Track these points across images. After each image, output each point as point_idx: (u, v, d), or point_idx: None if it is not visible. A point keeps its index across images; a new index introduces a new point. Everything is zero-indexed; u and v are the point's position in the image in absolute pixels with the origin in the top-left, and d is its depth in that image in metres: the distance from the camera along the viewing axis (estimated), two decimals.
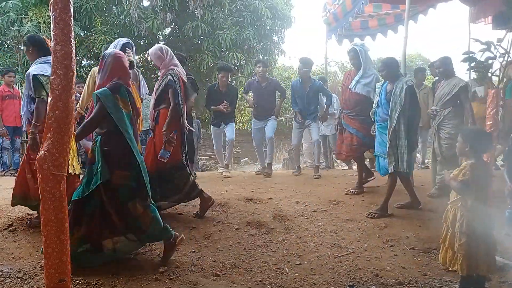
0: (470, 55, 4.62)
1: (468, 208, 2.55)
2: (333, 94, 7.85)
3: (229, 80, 6.88)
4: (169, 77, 3.90)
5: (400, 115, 4.17)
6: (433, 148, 5.00)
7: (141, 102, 4.64)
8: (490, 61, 4.46)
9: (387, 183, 4.46)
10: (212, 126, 6.60)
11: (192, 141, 6.31)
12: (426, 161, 7.86)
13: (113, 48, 4.29)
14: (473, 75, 5.94)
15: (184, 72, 4.22)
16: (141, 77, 4.63)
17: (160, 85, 4.01)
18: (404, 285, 2.91)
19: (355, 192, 5.01)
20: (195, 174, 5.84)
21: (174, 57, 4.15)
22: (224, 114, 6.28)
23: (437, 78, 7.15)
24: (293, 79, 16.16)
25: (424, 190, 5.17)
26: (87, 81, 5.86)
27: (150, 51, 4.22)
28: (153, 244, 3.43)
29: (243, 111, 15.26)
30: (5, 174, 6.60)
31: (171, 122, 3.82)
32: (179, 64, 4.18)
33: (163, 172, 3.87)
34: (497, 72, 4.56)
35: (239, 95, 7.01)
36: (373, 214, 4.25)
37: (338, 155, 5.43)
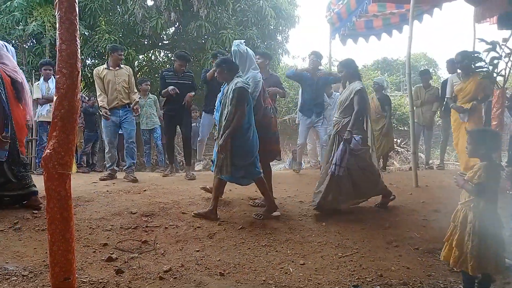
0: (475, 55, 4.62)
1: (480, 209, 2.54)
2: (337, 93, 7.88)
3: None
4: None
5: (227, 118, 3.89)
6: (329, 159, 4.47)
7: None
8: (495, 61, 4.45)
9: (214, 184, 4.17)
10: (203, 113, 6.34)
11: (189, 139, 6.34)
12: (430, 161, 7.83)
13: None
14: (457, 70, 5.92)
15: (15, 69, 4.17)
16: None
17: None
18: (408, 286, 2.90)
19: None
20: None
21: (5, 55, 4.09)
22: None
23: (448, 77, 7.13)
24: None
25: (428, 190, 5.16)
26: (96, 81, 5.96)
27: None
28: (157, 243, 3.44)
29: None
30: None
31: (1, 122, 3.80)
32: (11, 61, 4.13)
33: None
34: (503, 72, 4.55)
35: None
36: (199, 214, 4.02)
37: None
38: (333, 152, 4.34)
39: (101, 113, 6.13)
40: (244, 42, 4.48)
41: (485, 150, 2.63)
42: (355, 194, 4.33)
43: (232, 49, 4.41)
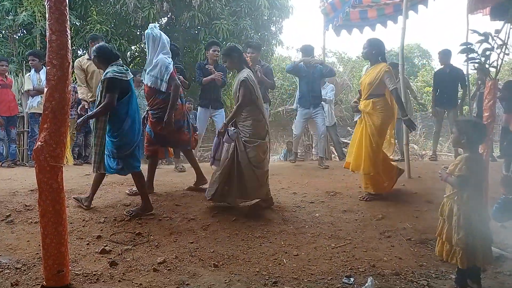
0: (468, 46, 4.62)
1: (464, 201, 2.55)
2: (330, 84, 7.92)
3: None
4: None
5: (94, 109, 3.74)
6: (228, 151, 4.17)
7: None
8: (487, 53, 4.45)
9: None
10: (199, 108, 6.11)
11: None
12: (423, 153, 7.88)
13: None
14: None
15: None
16: None
17: None
18: (400, 276, 2.93)
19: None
20: None
21: None
22: (213, 96, 5.93)
23: (440, 68, 7.14)
24: None
25: (420, 181, 5.20)
26: (76, 72, 5.87)
27: None
28: (151, 235, 3.45)
29: None
30: (2, 165, 6.57)
31: None
32: None
33: None
34: (495, 64, 4.57)
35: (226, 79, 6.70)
36: (130, 211, 3.82)
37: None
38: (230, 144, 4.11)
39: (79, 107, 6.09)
40: (158, 26, 4.44)
41: (467, 140, 2.63)
42: (240, 191, 4.02)
43: (146, 32, 4.37)
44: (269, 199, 4.19)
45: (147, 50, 4.38)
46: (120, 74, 3.70)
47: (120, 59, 3.93)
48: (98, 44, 4.06)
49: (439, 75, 7.04)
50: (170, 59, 4.35)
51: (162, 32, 4.37)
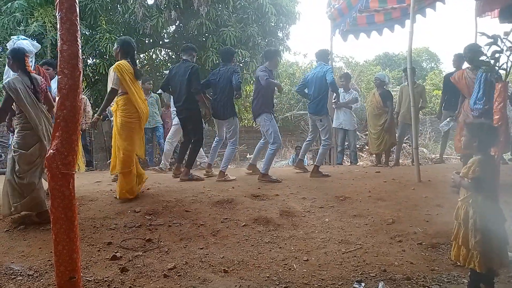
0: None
1: (479, 204, 2.53)
2: (354, 91, 8.12)
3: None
4: None
5: None
6: None
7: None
8: (497, 55, 4.43)
9: None
10: (236, 117, 6.13)
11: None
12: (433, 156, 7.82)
13: None
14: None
15: None
16: None
17: None
18: (412, 280, 2.91)
19: None
20: None
21: None
22: None
23: (453, 71, 7.11)
24: (298, 75, 16.06)
25: (430, 185, 5.15)
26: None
27: None
28: (161, 241, 3.46)
29: (248, 108, 15.25)
30: None
31: None
32: None
33: None
34: (504, 66, 4.53)
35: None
36: None
37: None
38: None
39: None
40: (21, 37, 4.53)
41: (479, 143, 2.61)
42: (8, 203, 3.71)
43: (7, 44, 4.46)
44: (44, 212, 3.69)
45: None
46: None
47: None
48: None
49: (449, 79, 7.00)
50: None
51: (28, 44, 4.45)
